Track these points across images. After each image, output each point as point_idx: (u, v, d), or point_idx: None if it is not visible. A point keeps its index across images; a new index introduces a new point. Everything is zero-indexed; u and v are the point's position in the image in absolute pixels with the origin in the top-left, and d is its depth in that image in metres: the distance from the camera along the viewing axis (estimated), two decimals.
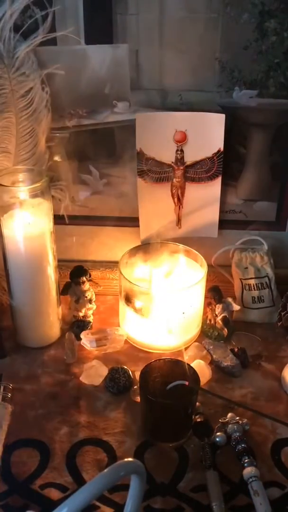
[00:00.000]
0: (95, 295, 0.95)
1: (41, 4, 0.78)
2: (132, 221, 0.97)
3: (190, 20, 0.81)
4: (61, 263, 0.91)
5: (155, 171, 0.92)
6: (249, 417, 0.76)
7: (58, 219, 0.90)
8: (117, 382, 0.80)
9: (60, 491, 0.66)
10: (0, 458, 0.69)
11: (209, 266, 0.91)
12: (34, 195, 0.79)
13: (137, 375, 0.76)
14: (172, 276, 0.92)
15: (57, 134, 0.89)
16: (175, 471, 0.69)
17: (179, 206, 0.95)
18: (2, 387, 0.79)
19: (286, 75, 0.83)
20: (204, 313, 0.93)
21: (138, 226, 0.97)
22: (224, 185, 0.92)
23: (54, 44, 0.81)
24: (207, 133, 0.88)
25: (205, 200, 0.94)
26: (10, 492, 0.66)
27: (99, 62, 0.83)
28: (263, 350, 0.89)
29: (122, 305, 0.91)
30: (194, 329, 0.91)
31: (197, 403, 0.75)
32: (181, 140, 0.89)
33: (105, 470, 0.45)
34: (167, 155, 0.90)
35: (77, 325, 0.92)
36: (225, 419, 0.74)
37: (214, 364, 0.86)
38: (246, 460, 0.68)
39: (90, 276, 0.94)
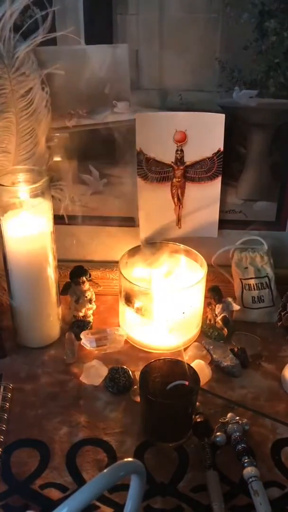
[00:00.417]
0: (95, 295, 0.95)
1: (41, 4, 0.78)
2: (132, 221, 0.97)
3: (190, 20, 0.81)
4: (61, 263, 0.91)
5: (155, 171, 0.92)
6: (249, 417, 0.76)
7: (58, 219, 0.90)
8: (117, 382, 0.80)
9: (60, 491, 0.66)
10: None
11: (209, 266, 0.91)
12: (34, 195, 0.79)
13: (137, 375, 0.76)
14: (172, 276, 0.92)
15: (57, 134, 0.89)
16: (175, 471, 0.69)
17: (179, 206, 0.95)
18: (2, 387, 0.79)
19: (286, 75, 0.83)
20: (204, 313, 0.93)
21: (138, 226, 0.97)
22: (224, 185, 0.92)
23: (54, 44, 0.81)
24: (207, 133, 0.87)
25: (205, 200, 0.94)
26: (10, 492, 0.66)
27: (99, 62, 0.83)
28: (263, 350, 0.89)
29: (122, 305, 0.91)
30: (194, 329, 0.91)
31: (197, 403, 0.75)
32: (181, 140, 0.89)
33: (105, 470, 0.44)
34: (167, 155, 0.90)
35: (77, 325, 0.92)
36: (225, 419, 0.74)
37: (214, 364, 0.86)
38: (246, 460, 0.68)
39: (90, 276, 0.94)
